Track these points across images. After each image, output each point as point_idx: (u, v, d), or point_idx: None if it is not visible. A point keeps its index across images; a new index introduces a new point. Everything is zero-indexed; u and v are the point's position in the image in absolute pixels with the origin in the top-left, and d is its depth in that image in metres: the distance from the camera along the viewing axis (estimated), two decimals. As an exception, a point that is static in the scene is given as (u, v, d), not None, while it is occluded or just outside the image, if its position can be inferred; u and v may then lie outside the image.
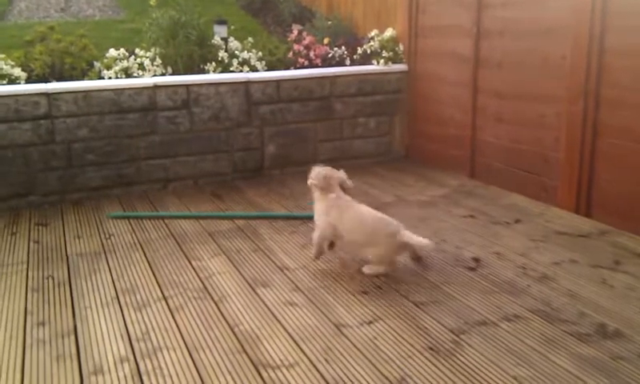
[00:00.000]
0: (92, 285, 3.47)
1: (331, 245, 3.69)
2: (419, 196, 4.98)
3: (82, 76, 5.25)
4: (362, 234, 3.45)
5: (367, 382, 2.50)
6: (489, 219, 4.40)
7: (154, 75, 5.34)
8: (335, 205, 3.53)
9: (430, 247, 3.39)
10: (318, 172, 3.60)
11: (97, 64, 5.37)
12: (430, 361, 2.64)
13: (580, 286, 3.32)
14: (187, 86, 5.25)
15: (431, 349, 2.74)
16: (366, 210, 3.55)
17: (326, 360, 2.66)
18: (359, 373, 2.57)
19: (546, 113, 4.61)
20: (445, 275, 3.50)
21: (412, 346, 2.77)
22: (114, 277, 3.58)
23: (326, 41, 6.19)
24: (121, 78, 5.22)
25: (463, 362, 2.63)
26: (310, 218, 3.88)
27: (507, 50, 4.90)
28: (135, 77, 5.27)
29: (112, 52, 5.47)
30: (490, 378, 2.51)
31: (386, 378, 2.52)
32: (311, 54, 5.95)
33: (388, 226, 3.41)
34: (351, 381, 2.51)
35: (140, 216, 4.65)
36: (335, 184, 3.59)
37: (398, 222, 3.44)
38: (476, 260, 3.70)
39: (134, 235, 4.24)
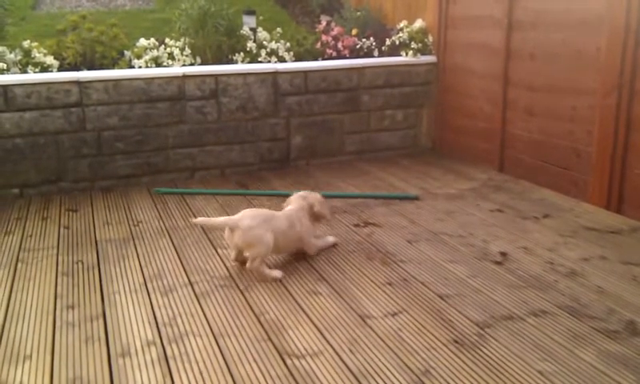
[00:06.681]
0: (120, 270, 3.53)
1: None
2: (447, 189, 4.94)
3: (112, 65, 5.31)
4: None
5: (391, 372, 2.50)
6: (517, 214, 4.34)
7: (184, 65, 5.38)
8: None
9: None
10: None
11: (127, 53, 5.44)
12: (454, 353, 2.63)
13: (609, 283, 3.26)
14: (215, 76, 5.28)
15: (456, 342, 2.72)
16: None
17: (350, 350, 2.67)
18: (383, 363, 2.56)
19: (578, 106, 4.52)
20: (471, 269, 3.47)
21: (436, 338, 2.75)
22: (142, 263, 3.63)
23: (354, 32, 6.16)
24: (151, 67, 5.27)
25: (488, 356, 2.61)
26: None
27: (540, 41, 4.81)
28: (165, 66, 5.32)
29: (142, 41, 5.53)
30: (515, 372, 2.48)
31: (410, 370, 2.51)
32: (339, 44, 5.93)
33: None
34: (375, 371, 2.51)
35: (186, 192, 4.95)
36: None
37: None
38: (503, 254, 3.65)
39: (161, 222, 4.29)
